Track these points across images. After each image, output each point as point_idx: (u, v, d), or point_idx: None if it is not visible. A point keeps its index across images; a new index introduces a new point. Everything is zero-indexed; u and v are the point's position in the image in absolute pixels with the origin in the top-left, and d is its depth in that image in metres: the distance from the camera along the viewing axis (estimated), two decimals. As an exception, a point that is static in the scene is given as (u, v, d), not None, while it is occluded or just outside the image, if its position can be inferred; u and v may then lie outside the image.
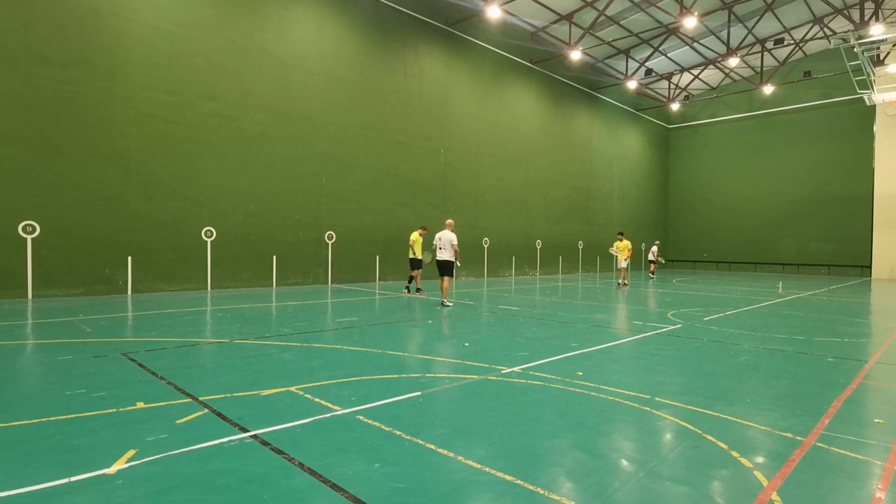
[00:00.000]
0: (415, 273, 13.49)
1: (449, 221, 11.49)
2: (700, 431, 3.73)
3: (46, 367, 5.35)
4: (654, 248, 23.62)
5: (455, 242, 11.08)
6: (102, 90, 11.92)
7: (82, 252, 11.73)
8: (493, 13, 17.90)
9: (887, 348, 7.15)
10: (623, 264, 17.23)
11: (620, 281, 17.27)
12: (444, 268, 11.09)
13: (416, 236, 13.36)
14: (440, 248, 11.07)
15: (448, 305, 11.02)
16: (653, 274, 23.61)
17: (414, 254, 13.33)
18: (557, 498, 2.73)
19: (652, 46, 25.08)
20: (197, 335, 7.26)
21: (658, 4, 20.88)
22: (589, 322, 9.28)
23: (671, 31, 23.34)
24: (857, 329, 9.06)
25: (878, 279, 24.75)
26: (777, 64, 28.79)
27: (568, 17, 21.21)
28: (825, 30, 24.96)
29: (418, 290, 13.64)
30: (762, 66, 27.54)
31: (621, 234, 18.12)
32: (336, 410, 4.04)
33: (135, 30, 12.35)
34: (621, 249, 17.21)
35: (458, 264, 11.33)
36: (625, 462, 3.23)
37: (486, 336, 7.57)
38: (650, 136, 32.55)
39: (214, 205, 13.77)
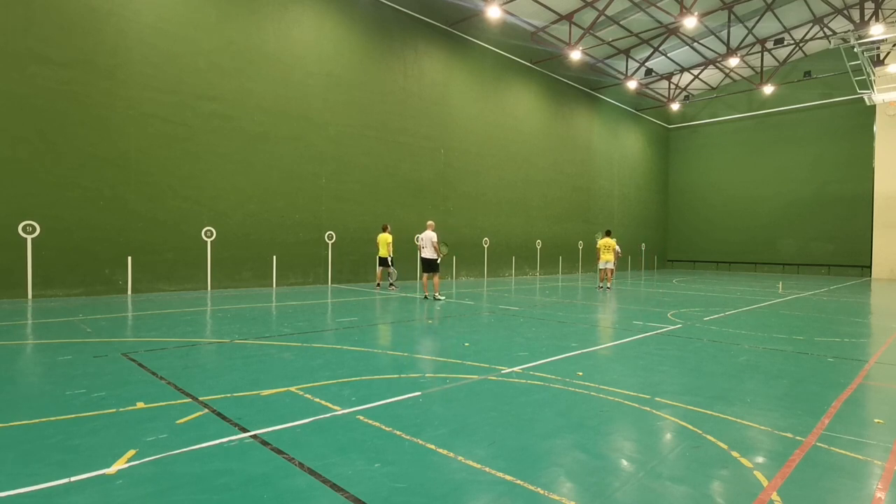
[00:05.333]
0: (380, 270, 15.12)
1: (430, 222, 12.60)
2: (700, 431, 3.73)
3: (46, 367, 5.35)
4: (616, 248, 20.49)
5: (435, 240, 12.04)
6: (102, 90, 11.92)
7: (82, 252, 11.73)
8: (493, 13, 17.89)
9: (887, 348, 7.15)
10: (605, 265, 15.70)
11: (607, 284, 15.79)
12: (430, 265, 11.99)
13: (385, 236, 14.86)
14: (423, 248, 12.06)
15: (440, 299, 11.90)
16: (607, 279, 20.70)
17: (385, 253, 14.86)
18: (557, 498, 2.73)
19: (652, 46, 25.07)
20: (197, 335, 7.26)
21: (658, 4, 20.88)
22: (589, 322, 9.28)
23: (671, 31, 23.33)
24: (857, 329, 9.06)
25: (878, 279, 24.75)
26: (777, 64, 28.78)
27: (568, 17, 21.20)
28: (825, 30, 24.95)
29: (378, 284, 15.27)
30: (762, 66, 27.53)
31: (608, 231, 16.69)
32: (336, 410, 4.04)
33: (135, 30, 12.35)
34: (608, 248, 15.76)
35: (444, 254, 12.35)
36: (625, 462, 3.23)
37: (486, 336, 7.57)
38: (650, 136, 32.54)
39: (214, 205, 13.77)
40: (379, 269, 15.20)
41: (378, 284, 15.25)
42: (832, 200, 28.27)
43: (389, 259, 14.88)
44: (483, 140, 21.18)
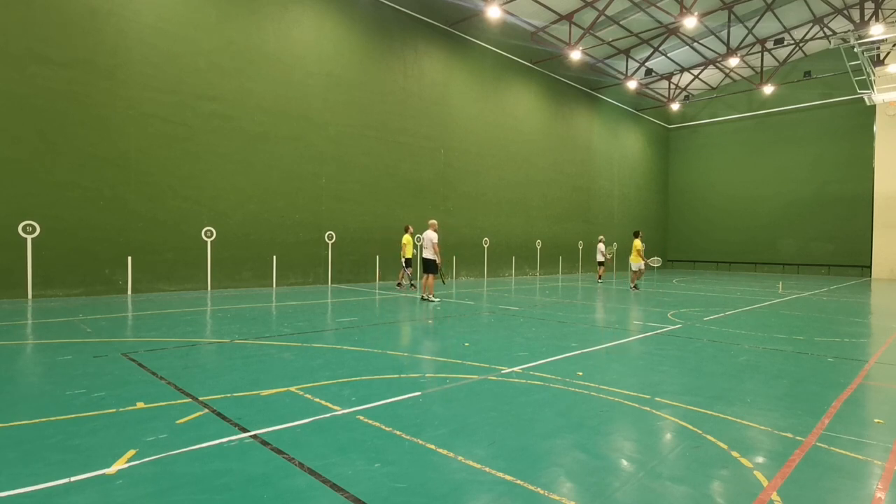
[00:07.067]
0: (410, 271, 15.18)
1: (432, 222, 12.37)
2: (700, 431, 3.73)
3: (46, 367, 5.35)
4: (601, 247, 19.54)
5: (435, 241, 11.87)
6: (102, 90, 11.92)
7: (82, 252, 11.73)
8: (493, 13, 17.89)
9: (887, 348, 7.15)
10: (633, 266, 16.18)
11: (633, 284, 16.14)
12: (427, 266, 11.89)
13: (407, 238, 14.97)
14: (424, 248, 12.05)
15: (433, 301, 11.67)
16: (600, 279, 19.75)
17: (407, 254, 15.00)
18: (557, 498, 2.73)
19: (652, 46, 25.07)
20: (197, 335, 7.26)
21: (658, 4, 20.88)
22: (589, 322, 9.28)
23: (671, 31, 23.33)
24: (857, 329, 9.06)
25: (878, 279, 24.75)
26: (777, 64, 28.79)
27: (568, 17, 21.20)
28: (825, 30, 24.96)
29: (409, 284, 15.19)
30: (762, 66, 27.54)
31: (636, 233, 16.78)
32: (336, 410, 4.04)
33: (135, 30, 12.35)
34: (632, 249, 16.22)
35: (439, 262, 12.09)
36: (625, 462, 3.23)
37: (486, 336, 7.57)
38: (650, 136, 32.55)
39: (214, 205, 13.77)
40: (408, 270, 15.24)
41: (413, 285, 15.23)
42: (832, 200, 28.27)
43: (404, 260, 15.02)
44: (483, 140, 21.18)
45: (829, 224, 28.36)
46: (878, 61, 23.09)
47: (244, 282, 14.45)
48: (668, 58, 26.85)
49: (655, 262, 16.95)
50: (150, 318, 8.69)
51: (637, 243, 16.25)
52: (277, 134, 14.94)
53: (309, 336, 7.28)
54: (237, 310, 9.94)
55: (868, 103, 24.73)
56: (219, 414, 3.90)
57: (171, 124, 12.97)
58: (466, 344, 6.89)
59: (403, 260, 15.02)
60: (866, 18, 20.51)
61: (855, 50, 20.15)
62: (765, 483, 2.93)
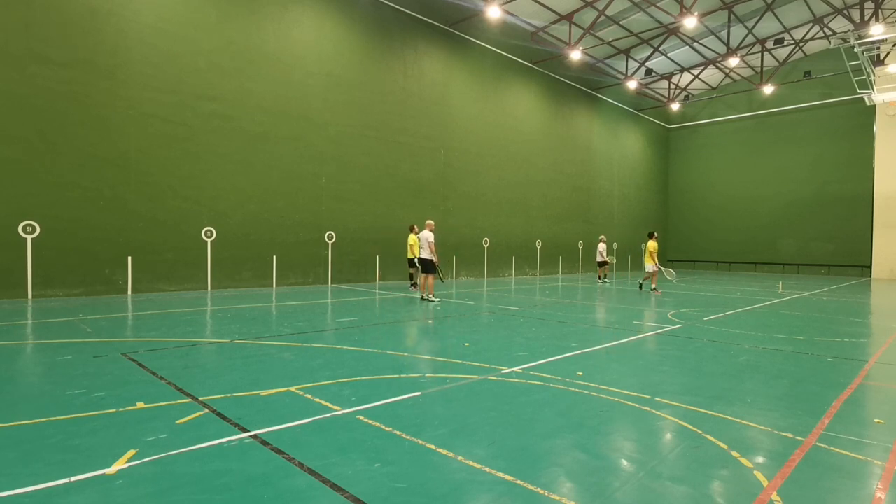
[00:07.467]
0: (413, 271, 15.21)
1: (429, 222, 12.45)
2: (700, 431, 3.73)
3: (46, 367, 5.35)
4: (602, 247, 19.56)
5: (430, 240, 11.93)
6: (102, 90, 11.92)
7: (82, 252, 11.73)
8: (493, 13, 17.89)
9: (887, 348, 7.15)
10: (649, 268, 15.24)
11: (653, 286, 15.21)
12: (425, 266, 11.99)
13: (413, 238, 14.97)
14: (421, 248, 12.21)
15: (433, 301, 11.73)
16: (602, 278, 19.57)
17: (413, 254, 14.94)
18: (557, 498, 2.73)
19: (652, 46, 25.07)
20: (197, 335, 7.26)
21: (658, 4, 20.88)
22: (589, 322, 9.28)
23: (671, 31, 23.32)
24: (857, 329, 9.06)
25: (878, 279, 24.75)
26: (777, 64, 28.78)
27: (568, 17, 21.20)
28: (825, 30, 24.95)
29: (410, 284, 15.35)
30: (762, 66, 27.53)
31: (652, 233, 15.91)
32: (336, 410, 4.04)
33: (135, 30, 12.35)
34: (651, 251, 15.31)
35: (436, 261, 12.06)
36: (625, 462, 3.23)
37: (486, 336, 7.57)
38: (650, 136, 32.54)
39: (214, 205, 13.77)
40: (412, 270, 15.11)
41: (413, 285, 15.16)
42: (832, 200, 28.27)
43: (415, 260, 14.69)
44: (483, 140, 21.18)
45: (829, 224, 28.36)
46: (878, 61, 23.09)
47: (244, 282, 14.45)
48: (668, 58, 26.85)
49: (670, 274, 16.28)
50: (150, 318, 8.69)
51: (651, 244, 15.25)
52: (277, 134, 14.94)
53: (309, 336, 7.28)
54: (237, 310, 9.95)
55: (868, 103, 24.74)
56: (219, 414, 3.90)
57: (171, 124, 12.97)
58: (466, 344, 6.89)
59: (415, 260, 14.80)
60: (866, 18, 20.50)
61: (855, 50, 20.15)
62: (765, 483, 2.93)
